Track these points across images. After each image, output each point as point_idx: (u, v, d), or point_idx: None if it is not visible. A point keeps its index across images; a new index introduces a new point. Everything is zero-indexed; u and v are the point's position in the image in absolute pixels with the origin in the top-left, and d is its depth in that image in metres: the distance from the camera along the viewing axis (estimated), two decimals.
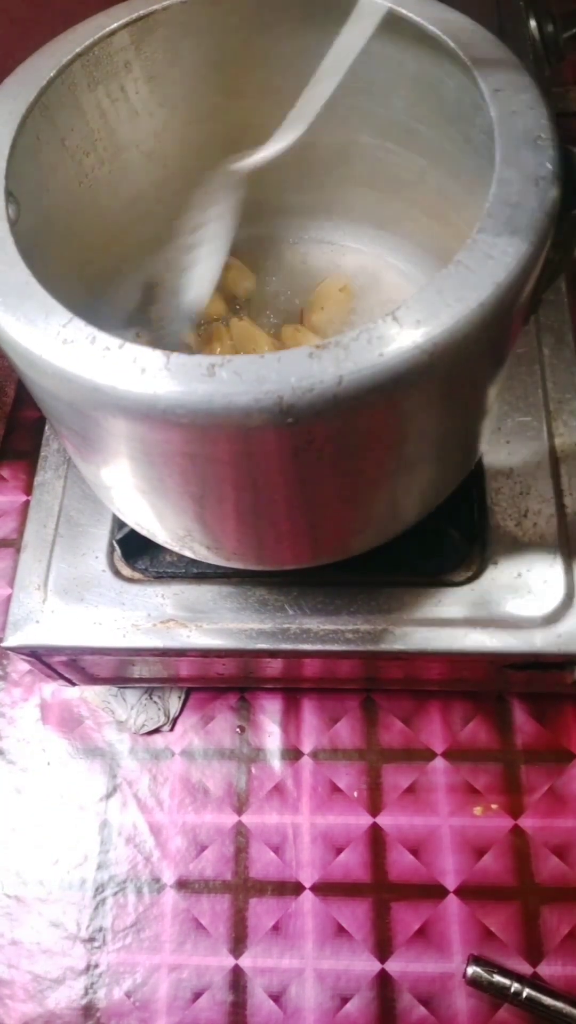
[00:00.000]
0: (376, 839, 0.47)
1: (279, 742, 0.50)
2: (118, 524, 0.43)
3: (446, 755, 0.49)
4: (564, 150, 0.29)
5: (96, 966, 0.45)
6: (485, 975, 0.42)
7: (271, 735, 0.50)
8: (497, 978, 0.42)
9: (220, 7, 0.36)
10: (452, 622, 0.40)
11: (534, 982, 0.42)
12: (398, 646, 0.40)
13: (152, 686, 0.51)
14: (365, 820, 0.48)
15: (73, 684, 0.49)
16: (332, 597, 0.41)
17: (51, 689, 0.53)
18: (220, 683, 0.51)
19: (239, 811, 0.48)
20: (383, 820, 0.47)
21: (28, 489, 0.59)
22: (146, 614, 0.42)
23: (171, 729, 0.51)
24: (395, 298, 0.45)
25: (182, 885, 0.47)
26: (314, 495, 0.31)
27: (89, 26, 0.35)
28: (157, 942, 0.46)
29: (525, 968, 0.44)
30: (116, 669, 0.47)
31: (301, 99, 0.33)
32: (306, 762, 0.49)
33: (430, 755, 0.49)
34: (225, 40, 0.37)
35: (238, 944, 0.45)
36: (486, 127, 0.30)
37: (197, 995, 0.44)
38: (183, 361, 0.25)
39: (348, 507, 0.33)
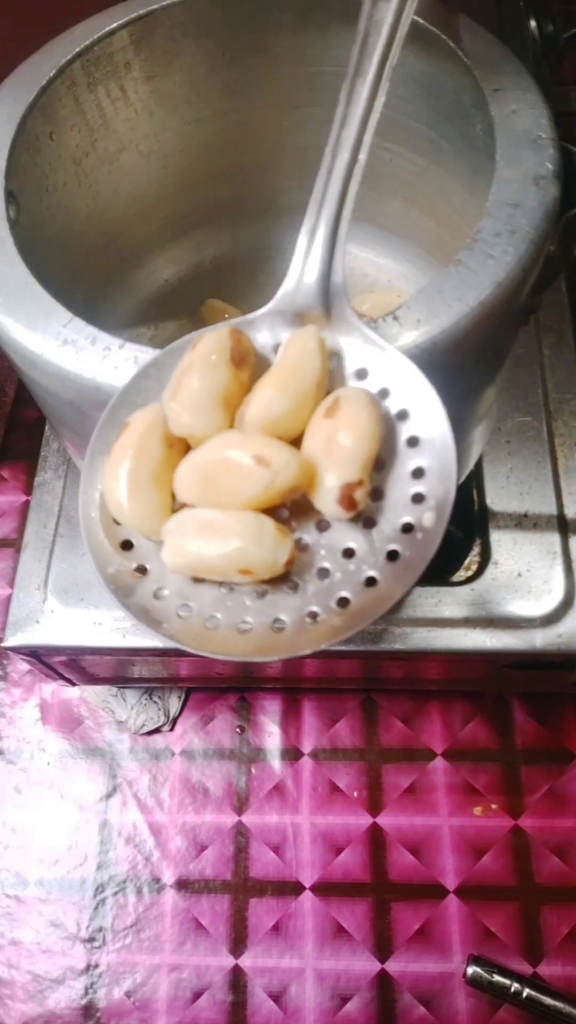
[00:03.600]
0: (376, 839, 0.47)
1: (279, 742, 0.50)
2: None
3: (446, 755, 0.49)
4: (564, 150, 0.29)
5: (96, 966, 0.45)
6: (485, 975, 0.42)
7: (271, 735, 0.50)
8: (497, 978, 0.42)
9: (220, 7, 0.36)
10: (452, 622, 0.40)
11: (534, 982, 0.42)
12: (398, 646, 0.40)
13: (152, 686, 0.51)
14: (365, 820, 0.48)
15: (73, 684, 0.49)
16: None
17: (51, 689, 0.53)
18: (220, 683, 0.51)
19: (239, 811, 0.48)
20: (383, 820, 0.47)
21: (28, 489, 0.59)
22: None
23: (171, 729, 0.51)
24: (395, 298, 0.45)
25: (182, 885, 0.47)
26: None
27: (89, 26, 0.35)
28: (157, 942, 0.46)
29: (525, 968, 0.44)
30: (116, 669, 0.47)
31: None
32: (306, 762, 0.49)
33: (430, 755, 0.49)
34: (225, 40, 0.37)
35: (238, 944, 0.45)
36: (486, 127, 0.30)
37: (197, 995, 0.44)
38: None
39: None
